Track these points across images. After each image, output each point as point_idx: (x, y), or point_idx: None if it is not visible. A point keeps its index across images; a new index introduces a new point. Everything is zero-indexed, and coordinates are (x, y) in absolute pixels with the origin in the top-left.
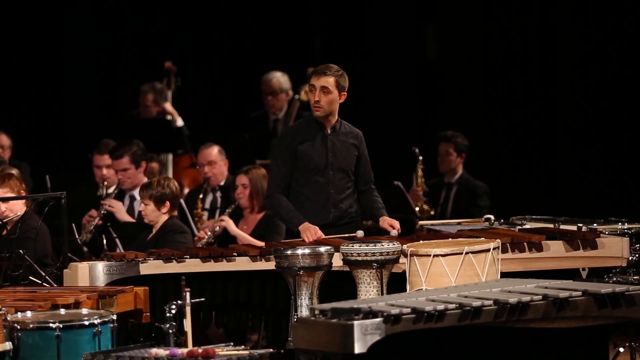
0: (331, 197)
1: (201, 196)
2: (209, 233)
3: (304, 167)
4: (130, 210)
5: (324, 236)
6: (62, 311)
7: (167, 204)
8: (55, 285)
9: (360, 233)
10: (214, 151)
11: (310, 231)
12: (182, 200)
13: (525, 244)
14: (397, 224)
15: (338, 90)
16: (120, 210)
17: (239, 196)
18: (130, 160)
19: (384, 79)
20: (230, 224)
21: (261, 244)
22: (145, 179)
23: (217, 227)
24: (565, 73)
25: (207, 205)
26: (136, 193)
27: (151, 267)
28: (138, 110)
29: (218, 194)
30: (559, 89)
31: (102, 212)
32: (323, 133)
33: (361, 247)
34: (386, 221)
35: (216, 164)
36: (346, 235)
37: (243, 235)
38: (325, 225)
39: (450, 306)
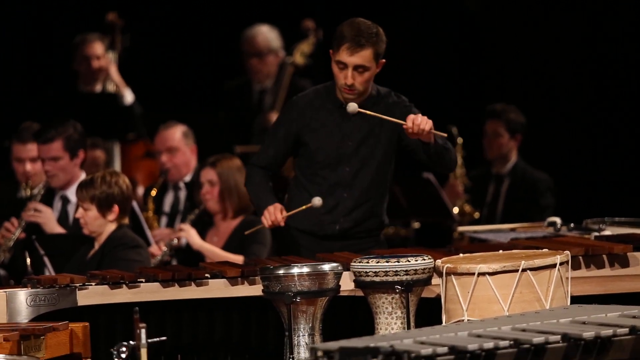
0: (342, 202)
1: (154, 193)
2: (164, 248)
3: (310, 157)
4: (62, 218)
5: (284, 219)
6: None
7: (115, 208)
8: None
9: (317, 200)
10: (176, 133)
11: (269, 211)
12: (135, 203)
13: (604, 257)
14: (421, 120)
15: (376, 61)
16: (49, 217)
17: (205, 197)
18: (63, 146)
19: (411, 36)
20: (192, 235)
21: (239, 259)
22: (84, 175)
23: (175, 240)
24: None
25: (167, 208)
26: (70, 193)
27: (93, 295)
28: (77, 68)
29: (182, 192)
30: None
31: (24, 221)
32: (343, 111)
33: (379, 264)
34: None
35: (179, 151)
36: (304, 207)
37: (211, 249)
38: (327, 237)
39: (503, 343)
